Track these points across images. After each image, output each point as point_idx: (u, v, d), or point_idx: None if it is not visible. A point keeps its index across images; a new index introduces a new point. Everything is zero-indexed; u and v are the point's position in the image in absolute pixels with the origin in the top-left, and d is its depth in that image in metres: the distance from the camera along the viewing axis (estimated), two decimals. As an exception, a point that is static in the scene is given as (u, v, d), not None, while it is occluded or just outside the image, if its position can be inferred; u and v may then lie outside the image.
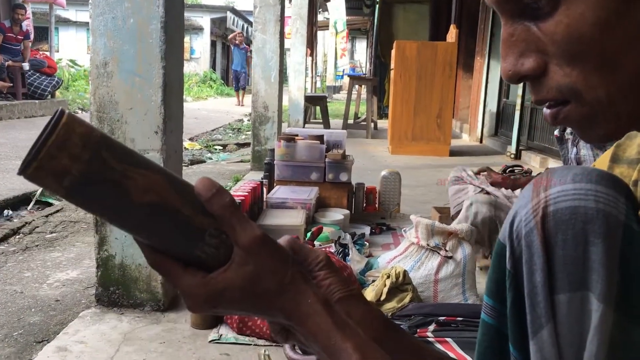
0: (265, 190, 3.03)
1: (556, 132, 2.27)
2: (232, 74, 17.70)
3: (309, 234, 2.28)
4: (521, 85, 6.59)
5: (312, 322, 0.56)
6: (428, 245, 2.04)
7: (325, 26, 19.24)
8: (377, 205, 3.44)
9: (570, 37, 0.52)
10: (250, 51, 10.09)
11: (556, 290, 0.60)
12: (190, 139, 7.76)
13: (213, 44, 28.84)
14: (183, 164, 4.92)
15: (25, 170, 0.46)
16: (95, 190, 0.47)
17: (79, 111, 11.13)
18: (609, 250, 0.58)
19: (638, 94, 0.54)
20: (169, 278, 0.55)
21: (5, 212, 3.61)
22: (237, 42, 16.52)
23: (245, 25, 29.44)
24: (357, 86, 10.09)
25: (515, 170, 5.12)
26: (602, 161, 0.77)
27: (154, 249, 0.54)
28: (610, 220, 0.58)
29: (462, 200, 2.37)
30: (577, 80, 0.53)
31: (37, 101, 9.95)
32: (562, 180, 0.61)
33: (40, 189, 3.92)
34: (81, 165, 0.46)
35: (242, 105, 16.02)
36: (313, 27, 10.41)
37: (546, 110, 0.58)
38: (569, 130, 2.22)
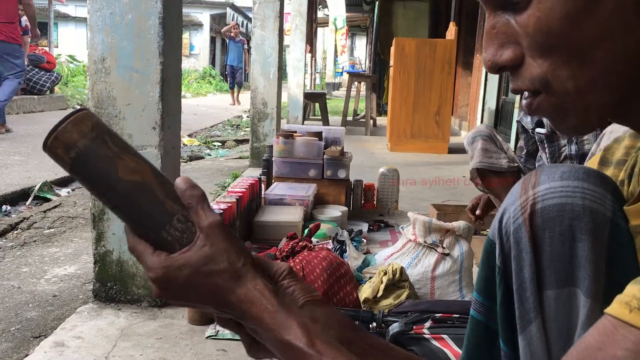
0: (263, 186, 3.04)
1: (544, 130, 2.29)
2: (226, 70, 16.25)
3: (306, 231, 2.29)
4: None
5: (259, 305, 0.58)
6: (425, 242, 2.04)
7: (324, 23, 19.23)
8: (375, 203, 3.44)
9: (540, 30, 0.54)
10: (249, 44, 10.10)
11: (544, 286, 0.61)
12: (189, 135, 7.76)
13: (212, 40, 28.80)
14: (182, 160, 4.92)
15: (46, 141, 0.58)
16: (93, 164, 0.58)
17: (78, 106, 11.12)
18: (595, 246, 0.58)
19: (607, 89, 0.55)
20: (140, 258, 0.61)
21: (4, 207, 3.61)
22: (232, 34, 15.23)
23: (245, 22, 29.40)
24: (356, 83, 10.09)
25: (514, 168, 5.14)
26: (592, 164, 0.78)
27: (132, 232, 0.61)
28: (597, 216, 0.59)
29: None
30: (547, 72, 0.55)
31: (36, 96, 9.93)
32: (550, 177, 0.62)
33: (38, 185, 3.92)
34: (86, 141, 0.58)
35: (238, 103, 14.97)
36: (313, 23, 10.39)
37: (523, 101, 0.60)
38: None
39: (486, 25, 0.59)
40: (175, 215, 0.60)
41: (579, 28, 0.52)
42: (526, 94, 0.59)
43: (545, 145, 2.28)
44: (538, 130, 2.32)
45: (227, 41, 15.49)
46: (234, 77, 15.49)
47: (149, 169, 0.61)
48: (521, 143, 2.54)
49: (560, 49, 0.54)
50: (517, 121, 2.52)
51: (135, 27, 1.80)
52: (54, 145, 0.58)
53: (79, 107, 10.40)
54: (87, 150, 0.58)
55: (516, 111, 6.69)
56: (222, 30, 15.45)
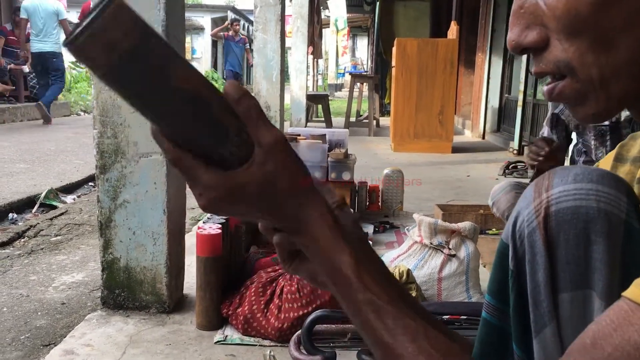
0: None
1: (606, 122, 2.18)
2: (225, 75, 13.52)
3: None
4: (523, 80, 6.60)
5: (319, 227, 0.58)
6: (431, 243, 2.05)
7: (326, 24, 19.24)
8: (380, 204, 3.44)
9: (569, 14, 0.54)
10: (251, 45, 9.81)
11: (559, 289, 0.61)
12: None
13: (214, 44, 28.81)
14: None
15: (77, 39, 0.46)
16: (139, 71, 0.48)
17: (82, 113, 11.15)
18: (610, 248, 0.58)
19: (630, 78, 0.55)
20: (189, 174, 0.55)
21: (10, 215, 3.63)
22: (229, 33, 12.34)
23: (246, 25, 29.41)
24: (358, 84, 10.09)
25: (518, 167, 5.13)
26: (606, 161, 0.77)
27: (176, 144, 0.54)
28: (612, 219, 0.59)
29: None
30: (573, 57, 0.55)
31: (39, 104, 9.95)
32: (564, 180, 0.61)
33: (44, 192, 3.93)
34: (131, 41, 0.47)
35: None
36: (317, 25, 10.39)
37: (544, 87, 0.60)
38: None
39: (514, 4, 0.59)
40: (231, 129, 0.54)
41: (607, 15, 0.53)
42: (548, 79, 0.59)
43: (608, 138, 2.21)
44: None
45: (225, 43, 13.19)
46: None
47: (201, 77, 0.53)
48: (547, 134, 2.39)
49: (587, 34, 0.54)
50: (553, 113, 2.37)
51: (138, 36, 1.81)
52: (88, 45, 0.46)
53: (82, 112, 10.37)
54: (132, 54, 0.47)
55: (519, 109, 6.68)
56: (212, 33, 13.09)
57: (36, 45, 8.32)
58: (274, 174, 0.56)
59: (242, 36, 12.64)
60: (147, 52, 0.48)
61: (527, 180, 2.14)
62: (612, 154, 0.75)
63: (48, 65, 8.45)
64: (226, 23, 12.54)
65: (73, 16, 24.56)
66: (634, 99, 0.57)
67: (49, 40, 8.27)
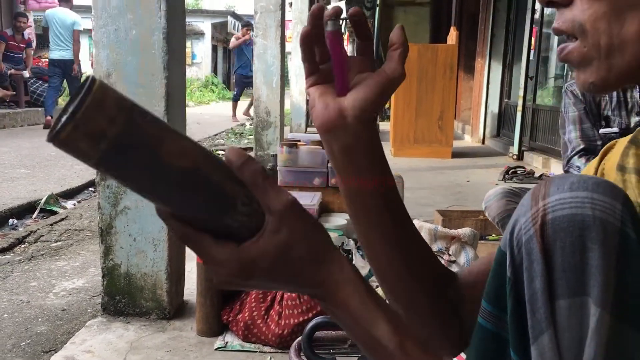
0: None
1: (615, 130, 2.13)
2: (234, 78, 13.11)
3: (312, 240, 2.30)
4: (522, 86, 6.61)
5: (343, 291, 0.55)
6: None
7: (325, 29, 19.27)
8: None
9: None
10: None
11: (556, 296, 0.61)
12: (193, 145, 7.77)
13: (214, 49, 28.90)
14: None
15: (59, 134, 0.44)
16: (130, 156, 0.46)
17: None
18: (605, 256, 0.59)
19: (634, 55, 0.56)
20: (199, 251, 0.53)
21: (10, 221, 3.63)
22: (244, 38, 11.93)
23: (246, 29, 29.40)
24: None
25: (518, 172, 5.14)
26: (622, 142, 0.78)
27: (183, 222, 0.52)
28: (607, 226, 0.59)
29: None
30: (588, 20, 0.56)
31: (39, 109, 9.97)
32: (560, 188, 0.62)
33: (44, 198, 3.94)
34: (117, 128, 0.45)
35: (249, 116, 11.67)
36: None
37: (558, 47, 0.61)
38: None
39: None
40: (238, 198, 0.51)
41: None
42: (565, 38, 0.60)
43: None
44: (606, 130, 2.21)
45: (234, 50, 12.89)
46: (242, 89, 12.53)
47: (197, 148, 0.50)
48: (574, 133, 2.26)
49: (609, 1, 0.55)
50: (571, 92, 2.23)
51: (139, 43, 1.82)
52: (73, 137, 0.44)
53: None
54: (120, 141, 0.45)
55: (519, 114, 6.68)
56: (232, 46, 12.50)
57: (56, 53, 9.06)
58: (288, 242, 0.54)
59: (251, 38, 12.21)
60: (134, 135, 0.46)
61: (527, 186, 2.12)
62: (629, 137, 0.76)
63: (68, 72, 9.09)
64: (246, 35, 11.97)
65: (73, 21, 24.58)
66: (636, 76, 0.58)
67: (68, 49, 9.05)
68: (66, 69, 9.08)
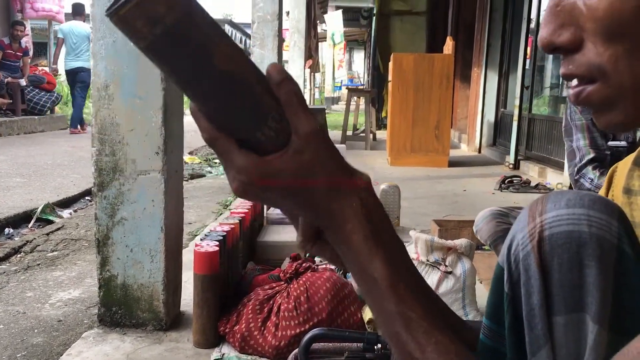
0: (265, 206, 3.05)
1: (624, 143, 2.12)
2: None
3: (309, 251, 2.30)
4: (518, 95, 6.64)
5: (350, 225, 0.56)
6: (428, 260, 2.05)
7: (322, 38, 19.34)
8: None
9: (611, 16, 0.52)
10: None
11: (553, 312, 0.62)
12: (190, 153, 7.78)
13: (211, 57, 28.89)
14: (184, 181, 4.93)
15: (119, 10, 0.45)
16: (182, 46, 0.47)
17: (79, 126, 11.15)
18: (602, 272, 0.60)
19: None
20: (223, 155, 0.54)
21: (6, 230, 3.62)
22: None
23: (243, 38, 29.51)
24: (355, 98, 10.12)
25: (514, 181, 5.15)
26: (625, 164, 0.79)
27: (213, 124, 0.53)
28: (604, 243, 0.60)
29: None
30: (608, 62, 0.53)
31: (36, 117, 9.98)
32: (557, 205, 0.63)
33: (40, 207, 3.93)
34: (175, 16, 0.46)
35: None
36: (312, 39, 10.44)
37: (570, 90, 0.58)
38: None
39: (550, 1, 0.57)
40: (270, 114, 0.52)
41: None
42: (574, 82, 0.57)
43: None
44: (614, 143, 2.21)
45: None
46: None
47: (245, 57, 0.51)
48: (581, 140, 2.25)
49: (626, 39, 0.52)
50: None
51: (137, 54, 1.82)
52: (132, 14, 0.45)
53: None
54: (175, 29, 0.46)
55: (515, 123, 6.70)
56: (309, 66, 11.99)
57: (70, 64, 9.31)
58: (309, 164, 0.54)
59: None
60: (190, 29, 0.47)
61: (518, 205, 2.09)
62: (632, 157, 0.76)
63: (76, 79, 9.29)
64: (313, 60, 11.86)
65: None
66: None
67: (80, 59, 9.23)
68: (74, 76, 9.33)
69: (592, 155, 2.19)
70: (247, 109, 0.52)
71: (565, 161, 4.91)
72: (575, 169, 2.23)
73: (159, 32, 0.46)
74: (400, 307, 0.55)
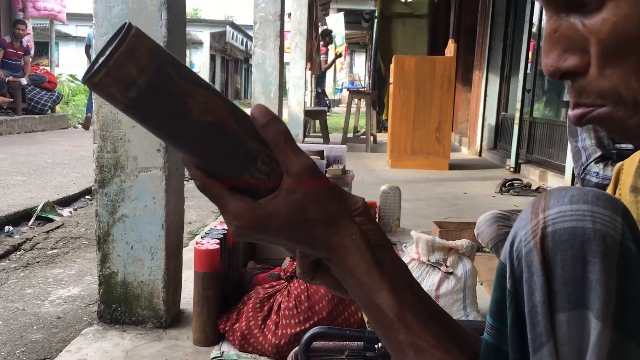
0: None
1: (631, 146, 2.13)
2: (318, 98, 12.09)
3: (310, 250, 2.29)
4: (520, 98, 6.64)
5: (352, 258, 0.55)
6: (429, 261, 2.05)
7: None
8: (377, 221, 3.45)
9: (615, 36, 0.50)
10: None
11: (556, 309, 0.61)
12: (190, 154, 7.77)
13: (212, 58, 28.98)
14: (184, 180, 4.94)
15: (92, 77, 0.47)
16: (157, 105, 0.49)
17: (79, 126, 11.16)
18: (606, 269, 0.59)
19: None
20: (217, 201, 0.55)
21: (6, 228, 3.62)
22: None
23: (245, 40, 29.57)
24: (356, 100, 10.12)
25: (515, 184, 5.15)
26: (631, 162, 0.79)
27: (204, 172, 0.54)
28: (607, 239, 0.60)
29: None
30: (619, 84, 0.52)
31: (37, 116, 9.98)
32: (560, 201, 0.62)
33: (40, 205, 3.93)
34: (147, 77, 0.47)
35: None
36: (314, 41, 10.44)
37: (571, 112, 0.57)
38: None
39: (546, 28, 0.55)
40: (259, 156, 0.53)
41: None
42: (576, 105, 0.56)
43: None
44: (621, 146, 2.20)
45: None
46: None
47: (223, 102, 0.52)
48: (587, 140, 2.26)
49: (633, 55, 0.50)
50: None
51: (140, 51, 1.82)
52: (104, 82, 0.47)
53: (79, 125, 10.74)
54: (149, 90, 0.48)
55: (516, 127, 6.69)
56: (326, 68, 11.93)
57: None
58: (303, 204, 0.54)
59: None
60: (164, 86, 0.48)
61: (518, 208, 2.07)
62: (639, 154, 0.76)
63: None
64: (338, 53, 11.61)
65: (72, 29, 24.70)
66: None
67: None
68: None
69: (598, 153, 2.19)
70: (233, 156, 0.52)
71: (566, 165, 4.92)
72: (582, 168, 2.22)
73: (134, 96, 0.47)
74: (410, 337, 0.54)
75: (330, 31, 11.59)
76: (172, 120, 0.50)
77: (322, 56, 11.80)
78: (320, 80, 12.43)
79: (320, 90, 12.38)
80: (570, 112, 0.57)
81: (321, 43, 11.70)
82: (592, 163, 2.18)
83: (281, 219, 0.54)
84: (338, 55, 11.90)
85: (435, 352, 0.54)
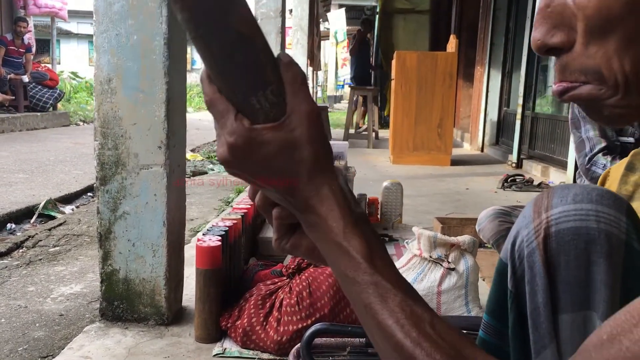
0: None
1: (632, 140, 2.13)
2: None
3: (311, 247, 2.29)
4: (522, 94, 6.62)
5: (328, 205, 0.55)
6: (431, 257, 2.05)
7: (325, 36, 19.32)
8: (379, 217, 3.44)
9: (600, 13, 0.51)
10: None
11: (559, 310, 0.61)
12: (192, 150, 7.78)
13: (214, 55, 28.93)
14: (185, 177, 4.92)
15: None
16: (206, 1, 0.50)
17: (81, 123, 11.17)
18: (611, 269, 0.58)
19: None
20: (219, 118, 0.55)
21: (8, 225, 3.62)
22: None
23: (246, 36, 29.38)
24: (358, 96, 10.10)
25: (517, 180, 5.14)
26: (618, 168, 0.78)
27: (216, 88, 0.55)
28: (612, 239, 0.59)
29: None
30: (601, 62, 0.52)
31: (39, 114, 9.98)
32: (563, 200, 0.62)
33: (42, 203, 3.93)
34: None
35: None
36: (315, 37, 10.42)
37: (554, 87, 0.57)
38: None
39: (540, 2, 0.56)
40: (270, 85, 0.54)
41: (637, 15, 0.50)
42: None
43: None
44: (622, 139, 2.19)
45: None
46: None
47: (258, 26, 0.53)
48: (591, 132, 2.25)
49: (616, 35, 0.51)
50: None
51: (140, 48, 1.82)
52: None
53: (81, 122, 10.67)
54: None
55: (518, 122, 6.68)
56: (351, 50, 11.12)
57: None
58: (296, 142, 0.54)
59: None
60: None
61: (520, 203, 2.06)
62: (625, 161, 0.76)
63: None
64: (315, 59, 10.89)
65: (73, 27, 24.69)
66: None
67: None
68: None
69: (603, 144, 2.18)
70: (250, 74, 0.53)
71: (569, 160, 4.91)
72: (586, 158, 2.20)
73: None
74: (376, 277, 0.53)
75: (372, 20, 11.09)
76: (213, 18, 0.50)
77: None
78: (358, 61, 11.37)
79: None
80: (554, 88, 0.57)
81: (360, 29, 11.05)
82: (600, 155, 2.17)
83: (272, 149, 0.54)
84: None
85: (398, 293, 0.52)
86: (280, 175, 0.55)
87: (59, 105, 11.21)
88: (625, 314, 0.44)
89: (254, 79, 0.54)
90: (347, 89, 18.50)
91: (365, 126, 9.46)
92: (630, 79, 0.52)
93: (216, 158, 0.57)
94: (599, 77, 0.53)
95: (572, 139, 2.32)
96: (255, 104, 0.54)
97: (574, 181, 4.56)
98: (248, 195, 0.64)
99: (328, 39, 19.82)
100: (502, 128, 8.14)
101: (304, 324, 1.71)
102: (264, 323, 1.77)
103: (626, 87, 0.52)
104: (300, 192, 0.56)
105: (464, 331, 1.65)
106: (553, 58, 0.57)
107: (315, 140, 0.55)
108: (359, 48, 10.95)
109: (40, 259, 2.88)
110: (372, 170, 5.91)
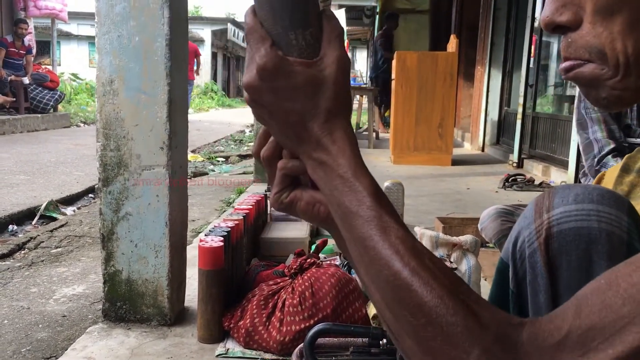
0: (269, 203, 3.05)
1: None
2: (378, 84, 10.42)
3: (313, 247, 2.29)
4: (522, 93, 6.62)
5: (339, 146, 0.56)
6: (432, 257, 2.05)
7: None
8: (380, 216, 3.44)
9: None
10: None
11: None
12: (193, 151, 7.78)
13: (214, 56, 28.93)
14: (187, 177, 4.92)
15: None
16: None
17: (82, 124, 11.17)
18: None
19: None
20: (257, 44, 0.57)
21: (10, 227, 3.63)
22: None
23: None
24: (358, 96, 10.10)
25: (518, 179, 5.14)
26: (614, 170, 0.78)
27: (258, 21, 0.57)
28: (614, 239, 0.59)
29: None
30: (605, 42, 0.53)
31: (39, 115, 9.99)
32: (564, 200, 0.62)
33: (44, 204, 3.93)
34: None
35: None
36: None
37: (561, 65, 0.59)
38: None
39: None
40: (311, 28, 0.57)
41: None
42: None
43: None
44: (630, 140, 2.18)
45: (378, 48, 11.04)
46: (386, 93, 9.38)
47: None
48: (598, 133, 2.24)
49: (621, 16, 0.52)
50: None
51: (142, 50, 1.82)
52: None
53: (82, 124, 10.65)
54: None
55: (519, 122, 6.68)
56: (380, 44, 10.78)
57: None
58: (325, 81, 0.56)
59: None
60: None
61: (522, 202, 2.06)
62: (620, 164, 0.76)
63: None
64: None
65: (73, 28, 24.70)
66: None
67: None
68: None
69: (612, 145, 2.17)
70: (296, 10, 0.56)
71: (570, 160, 4.90)
72: (595, 160, 2.19)
73: None
74: (380, 211, 0.53)
75: (397, 16, 10.99)
76: None
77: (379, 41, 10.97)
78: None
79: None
80: (561, 65, 0.59)
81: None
82: (610, 156, 2.16)
83: (299, 82, 0.56)
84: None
85: (400, 228, 0.52)
86: (300, 111, 0.57)
87: (60, 106, 11.22)
88: (625, 263, 0.44)
89: (299, 17, 0.56)
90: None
91: (365, 126, 9.46)
92: (631, 61, 0.53)
93: (242, 84, 0.60)
94: (601, 57, 0.54)
95: (578, 140, 2.31)
96: (292, 39, 0.57)
97: (576, 181, 4.56)
98: (252, 151, 0.65)
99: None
100: (503, 128, 8.14)
101: (307, 324, 1.71)
102: (267, 323, 1.77)
103: (626, 69, 0.53)
104: (314, 131, 0.57)
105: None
106: (554, 58, 0.57)
107: (340, 84, 0.57)
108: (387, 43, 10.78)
109: (43, 261, 2.89)
110: (373, 170, 5.81)
